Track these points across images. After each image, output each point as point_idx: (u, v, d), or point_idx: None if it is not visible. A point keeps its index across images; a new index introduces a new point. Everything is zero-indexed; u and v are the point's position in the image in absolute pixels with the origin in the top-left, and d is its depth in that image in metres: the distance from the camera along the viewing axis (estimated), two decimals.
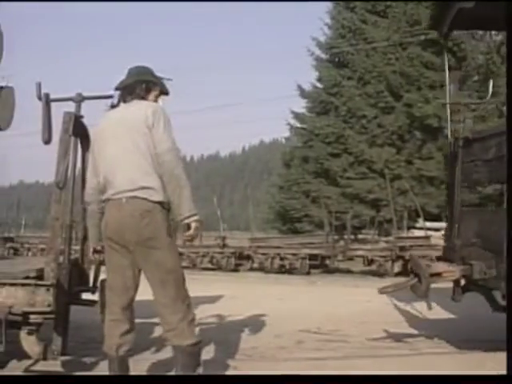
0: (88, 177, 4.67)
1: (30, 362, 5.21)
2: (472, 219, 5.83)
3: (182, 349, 4.29)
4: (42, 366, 5.14)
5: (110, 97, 5.44)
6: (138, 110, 4.33)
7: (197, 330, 4.50)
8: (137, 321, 4.59)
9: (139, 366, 5.27)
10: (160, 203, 4.23)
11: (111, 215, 4.35)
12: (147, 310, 4.72)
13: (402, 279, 7.92)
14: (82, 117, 5.49)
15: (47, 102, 5.44)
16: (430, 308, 5.91)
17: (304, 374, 4.77)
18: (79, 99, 5.54)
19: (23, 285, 4.77)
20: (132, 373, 4.55)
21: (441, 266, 5.95)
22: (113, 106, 4.61)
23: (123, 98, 4.54)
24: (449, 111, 7.46)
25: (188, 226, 4.29)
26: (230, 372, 5.21)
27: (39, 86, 5.56)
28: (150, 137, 4.23)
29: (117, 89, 4.59)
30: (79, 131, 5.40)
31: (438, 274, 5.67)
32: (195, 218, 4.23)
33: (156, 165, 4.24)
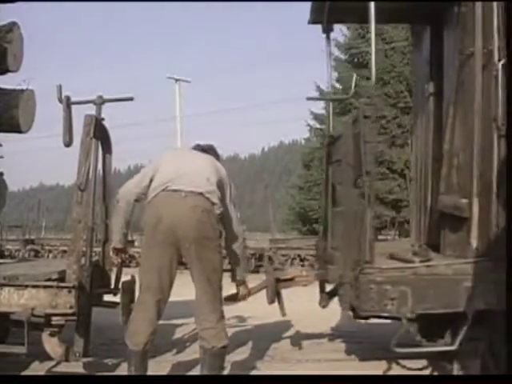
0: (137, 179, 4.89)
1: (52, 363, 5.27)
2: (340, 221, 5.60)
3: (214, 350, 4.47)
4: (64, 368, 5.22)
5: (131, 99, 5.51)
6: (215, 161, 4.97)
7: None
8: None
9: (160, 367, 5.28)
10: (215, 206, 4.56)
11: (167, 209, 4.52)
12: (168, 311, 4.71)
13: None
14: (102, 119, 5.51)
15: (68, 104, 5.48)
16: (283, 314, 5.78)
17: (304, 374, 4.75)
18: (100, 102, 5.57)
19: (45, 287, 4.82)
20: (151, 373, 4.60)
21: (293, 271, 5.99)
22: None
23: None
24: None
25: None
26: (251, 373, 5.18)
27: (60, 88, 5.60)
28: (219, 176, 4.78)
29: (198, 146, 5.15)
30: (100, 134, 5.42)
31: (290, 279, 5.71)
32: (244, 283, 5.07)
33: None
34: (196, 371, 5.08)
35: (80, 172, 5.01)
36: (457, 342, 4.36)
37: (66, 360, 4.99)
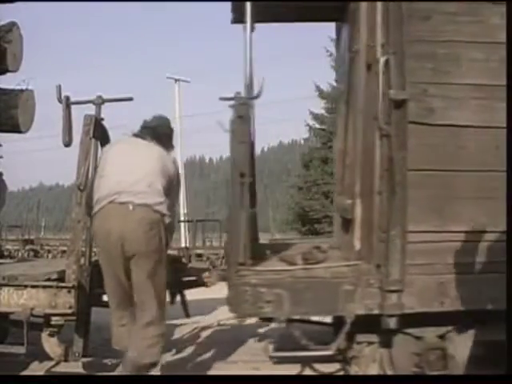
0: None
1: (51, 363, 5.18)
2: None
3: (141, 364, 4.31)
4: (64, 368, 5.12)
5: (130, 99, 5.48)
6: (162, 151, 4.65)
7: (217, 331, 4.47)
8: None
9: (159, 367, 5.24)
10: (164, 217, 4.37)
11: (115, 222, 4.33)
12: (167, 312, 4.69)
13: None
14: (102, 119, 5.49)
15: (67, 104, 5.46)
16: (187, 315, 5.56)
17: (304, 374, 4.73)
18: (99, 102, 5.52)
19: (45, 287, 4.75)
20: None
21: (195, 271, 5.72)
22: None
23: (142, 135, 4.75)
24: None
25: None
26: (250, 373, 5.17)
27: (59, 88, 5.57)
28: (168, 177, 4.52)
29: (144, 127, 4.83)
30: (100, 134, 5.41)
31: (193, 281, 5.47)
32: None
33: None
34: (195, 371, 5.07)
35: (79, 172, 4.94)
36: (334, 347, 4.29)
37: (65, 360, 4.94)
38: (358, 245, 4.37)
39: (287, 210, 33.59)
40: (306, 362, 5.03)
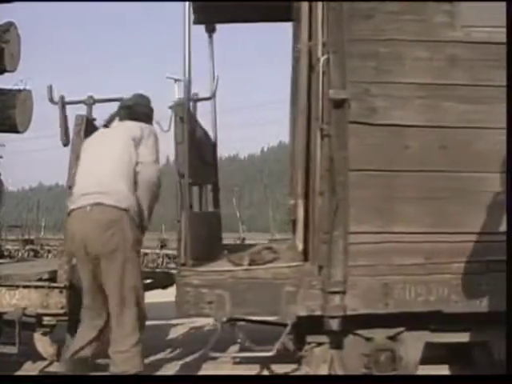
0: None
1: (45, 363, 5.18)
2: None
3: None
4: (57, 368, 4.98)
5: (121, 99, 5.53)
6: (128, 125, 4.45)
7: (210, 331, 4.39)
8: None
9: (154, 366, 5.25)
10: (127, 211, 4.14)
11: (77, 225, 4.21)
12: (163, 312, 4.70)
13: None
14: (94, 119, 5.50)
15: (63, 104, 5.52)
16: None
17: (303, 374, 4.71)
18: (91, 102, 5.57)
19: (37, 287, 4.79)
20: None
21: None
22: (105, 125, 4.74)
23: (120, 117, 4.63)
24: None
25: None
26: (254, 372, 5.15)
27: (50, 88, 5.62)
28: (133, 147, 4.27)
29: (121, 107, 4.68)
30: (91, 133, 5.45)
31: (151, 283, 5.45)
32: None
33: (132, 174, 4.24)
34: (190, 371, 5.09)
35: (70, 172, 4.90)
36: (275, 348, 4.22)
37: (58, 360, 4.93)
38: (300, 246, 4.32)
39: (287, 210, 33.31)
40: (262, 362, 5.05)
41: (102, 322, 4.28)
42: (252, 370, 5.05)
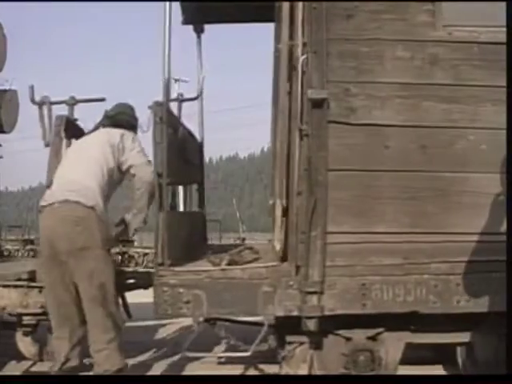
0: None
1: (29, 363, 5.24)
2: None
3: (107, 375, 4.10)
4: (39, 367, 5.15)
5: (103, 100, 5.53)
6: (108, 131, 4.61)
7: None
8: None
9: (145, 366, 5.35)
10: (94, 209, 4.14)
11: (45, 222, 4.25)
12: None
13: None
14: (76, 120, 5.52)
15: (43, 103, 5.53)
16: (129, 316, 5.35)
17: (303, 374, 4.70)
18: (72, 102, 5.59)
19: (16, 286, 4.82)
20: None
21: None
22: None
23: (104, 125, 4.74)
24: None
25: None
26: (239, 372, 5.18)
27: (32, 89, 5.64)
28: (111, 152, 4.38)
29: (105, 116, 4.79)
30: (74, 134, 5.46)
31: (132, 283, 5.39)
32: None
33: (107, 176, 4.33)
34: (175, 371, 5.16)
35: (49, 172, 4.93)
36: (251, 349, 4.20)
37: (40, 359, 5.04)
38: (278, 246, 4.29)
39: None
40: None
41: (75, 326, 4.28)
42: (237, 370, 5.09)
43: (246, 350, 4.23)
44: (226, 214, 29.30)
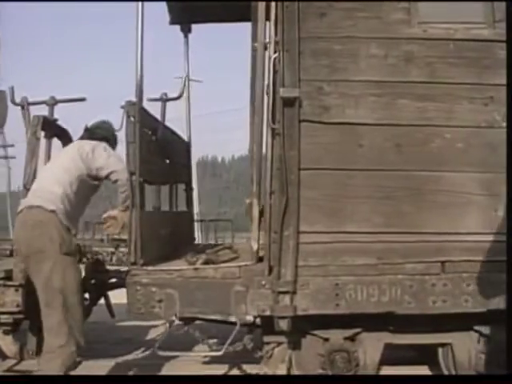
0: None
1: (12, 361, 5.21)
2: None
3: None
4: (20, 366, 5.13)
5: (83, 99, 5.56)
6: (81, 143, 4.68)
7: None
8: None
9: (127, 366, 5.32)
10: (54, 213, 4.14)
11: (15, 228, 4.38)
12: None
13: None
14: (56, 120, 5.57)
15: (27, 104, 5.58)
16: (112, 316, 5.33)
17: (303, 374, 4.68)
18: (52, 102, 5.63)
19: None
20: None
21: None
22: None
23: (81, 137, 4.82)
24: None
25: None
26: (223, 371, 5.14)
27: (12, 90, 5.70)
28: (80, 159, 4.41)
29: (85, 130, 4.84)
30: (54, 133, 5.50)
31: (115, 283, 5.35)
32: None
33: (76, 183, 4.35)
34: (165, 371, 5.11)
35: (26, 171, 5.04)
36: (223, 348, 4.20)
37: (21, 358, 5.02)
38: (254, 245, 4.26)
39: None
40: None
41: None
42: (220, 370, 5.06)
43: (218, 350, 4.23)
44: (238, 214, 29.19)
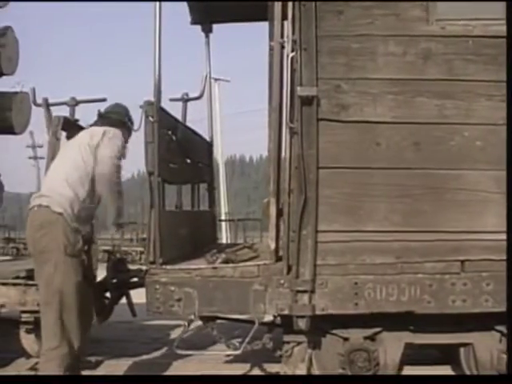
0: None
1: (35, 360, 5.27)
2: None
3: None
4: None
5: (104, 100, 5.61)
6: (90, 131, 4.56)
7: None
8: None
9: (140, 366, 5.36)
10: (61, 214, 4.12)
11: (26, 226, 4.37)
12: None
13: None
14: (77, 120, 5.61)
15: (47, 105, 5.65)
16: (133, 315, 5.33)
17: (303, 374, 4.68)
18: (73, 103, 5.68)
19: (14, 284, 4.91)
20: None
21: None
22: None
23: (95, 123, 4.73)
24: None
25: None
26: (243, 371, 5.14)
27: (33, 91, 5.77)
28: (91, 153, 4.32)
29: (97, 115, 4.78)
30: (75, 134, 5.54)
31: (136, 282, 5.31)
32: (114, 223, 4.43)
33: (85, 178, 4.28)
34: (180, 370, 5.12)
35: (46, 171, 5.05)
36: (241, 347, 4.22)
37: None
38: (272, 244, 4.26)
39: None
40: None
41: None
42: (240, 369, 5.07)
43: (237, 349, 4.24)
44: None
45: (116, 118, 4.67)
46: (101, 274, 5.19)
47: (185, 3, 5.99)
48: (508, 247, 3.70)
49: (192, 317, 4.18)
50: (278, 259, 4.23)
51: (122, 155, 4.45)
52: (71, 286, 4.09)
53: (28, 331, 4.98)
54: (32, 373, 4.89)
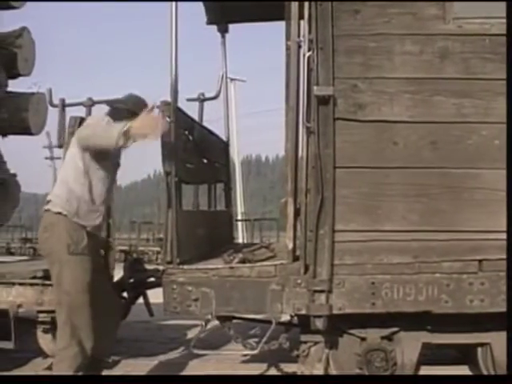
0: None
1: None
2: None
3: None
4: None
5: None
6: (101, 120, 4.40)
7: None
8: None
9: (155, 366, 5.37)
10: (63, 215, 4.08)
11: None
12: None
13: None
14: None
15: (63, 106, 5.69)
16: (151, 315, 5.37)
17: (303, 374, 4.68)
18: (89, 103, 5.73)
19: (32, 284, 4.93)
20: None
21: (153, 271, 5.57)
22: None
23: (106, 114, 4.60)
24: None
25: None
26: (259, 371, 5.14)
27: (50, 92, 5.81)
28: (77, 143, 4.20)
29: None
30: None
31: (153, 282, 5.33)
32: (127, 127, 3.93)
33: (82, 173, 4.14)
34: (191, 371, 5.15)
35: None
36: (258, 347, 4.23)
37: None
38: (290, 244, 4.26)
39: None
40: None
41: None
42: (257, 369, 5.08)
43: (254, 348, 4.25)
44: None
45: (121, 107, 4.38)
46: (118, 273, 5.24)
47: (201, 3, 6.01)
48: (508, 247, 3.69)
49: (209, 316, 4.19)
50: (295, 259, 4.22)
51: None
52: (79, 285, 4.04)
53: (45, 331, 4.99)
54: (48, 372, 4.91)
